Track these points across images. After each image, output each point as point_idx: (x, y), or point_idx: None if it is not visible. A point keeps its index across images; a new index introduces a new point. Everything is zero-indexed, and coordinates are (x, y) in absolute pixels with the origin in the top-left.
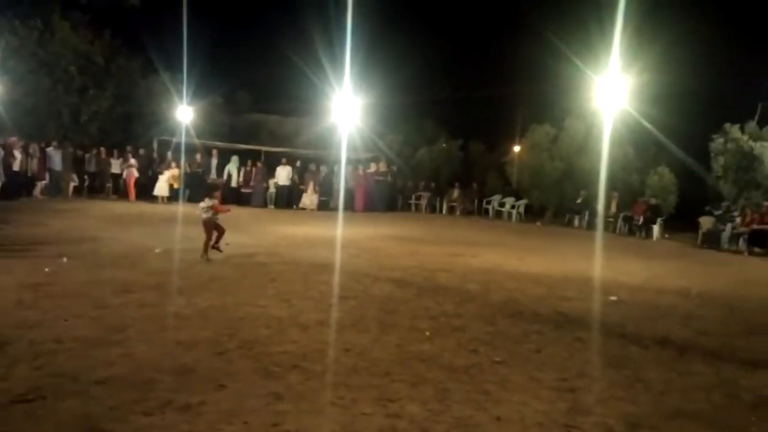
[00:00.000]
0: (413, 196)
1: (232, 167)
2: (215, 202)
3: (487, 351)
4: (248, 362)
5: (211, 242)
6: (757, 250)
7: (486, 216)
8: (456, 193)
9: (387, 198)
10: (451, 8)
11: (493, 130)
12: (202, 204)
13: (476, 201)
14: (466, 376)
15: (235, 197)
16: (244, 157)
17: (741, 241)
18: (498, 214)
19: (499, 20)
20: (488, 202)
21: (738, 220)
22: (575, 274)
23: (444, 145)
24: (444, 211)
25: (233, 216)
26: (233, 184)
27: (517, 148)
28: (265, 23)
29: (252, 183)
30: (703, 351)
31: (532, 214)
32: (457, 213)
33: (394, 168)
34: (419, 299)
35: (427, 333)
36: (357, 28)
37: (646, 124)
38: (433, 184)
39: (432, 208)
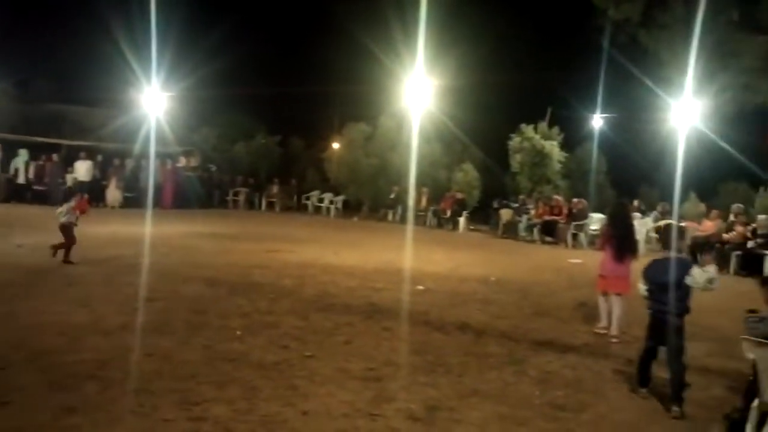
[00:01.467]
0: (231, 192)
1: (20, 162)
2: (73, 204)
3: (297, 346)
4: (37, 375)
5: (61, 248)
6: (548, 239)
7: (305, 211)
8: (275, 188)
9: (200, 194)
10: (268, 3)
11: (312, 126)
12: (60, 209)
13: (295, 197)
14: (275, 372)
15: (24, 195)
16: (39, 150)
17: (535, 231)
18: (317, 210)
19: (315, 19)
20: (307, 198)
21: (532, 212)
22: (387, 265)
23: (263, 140)
24: (263, 207)
25: (26, 215)
26: (21, 180)
27: (335, 145)
28: (69, 8)
29: (46, 179)
30: (498, 333)
31: (350, 209)
32: (276, 209)
33: (213, 165)
34: (231, 297)
35: (238, 332)
36: (166, 18)
37: (449, 123)
38: (251, 180)
39: (250, 204)
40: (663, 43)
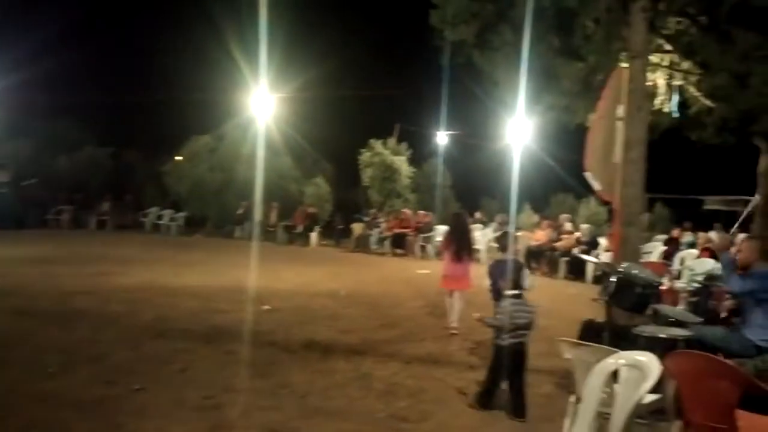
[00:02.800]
0: (52, 211)
1: None
2: None
3: (125, 379)
4: None
5: None
6: (398, 251)
7: (142, 230)
8: (106, 205)
9: (14, 212)
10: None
11: (150, 137)
12: None
13: (132, 214)
14: (96, 411)
15: None
16: None
17: (386, 244)
18: (155, 228)
19: (153, 22)
20: (145, 215)
21: (383, 225)
22: (232, 285)
23: (91, 153)
24: (92, 226)
25: None
26: None
27: (177, 158)
28: None
29: None
30: (346, 348)
31: (193, 226)
32: (108, 228)
33: (33, 180)
34: (46, 329)
35: (50, 368)
36: None
37: (297, 136)
38: (77, 196)
39: (77, 224)
40: (496, 64)
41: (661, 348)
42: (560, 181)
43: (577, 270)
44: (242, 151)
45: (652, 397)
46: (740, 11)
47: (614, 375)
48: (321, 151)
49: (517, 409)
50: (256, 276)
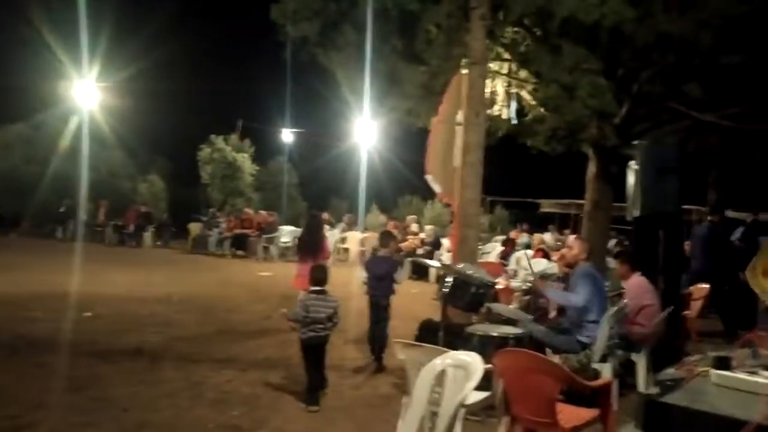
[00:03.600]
0: None
1: None
2: None
3: None
4: None
5: None
6: (239, 252)
7: None
8: None
9: None
10: None
11: None
12: None
13: None
14: None
15: None
16: None
17: (226, 245)
18: None
19: None
20: None
21: (223, 225)
22: (51, 290)
23: None
24: None
25: None
26: None
27: None
28: None
29: None
30: (176, 357)
31: (6, 224)
32: None
33: None
34: None
35: None
36: None
37: (127, 129)
38: None
39: None
40: (339, 64)
41: (493, 346)
42: (408, 183)
43: (421, 269)
44: (63, 143)
45: (480, 395)
46: (569, 26)
47: (442, 375)
48: (156, 146)
49: (310, 399)
50: (79, 280)
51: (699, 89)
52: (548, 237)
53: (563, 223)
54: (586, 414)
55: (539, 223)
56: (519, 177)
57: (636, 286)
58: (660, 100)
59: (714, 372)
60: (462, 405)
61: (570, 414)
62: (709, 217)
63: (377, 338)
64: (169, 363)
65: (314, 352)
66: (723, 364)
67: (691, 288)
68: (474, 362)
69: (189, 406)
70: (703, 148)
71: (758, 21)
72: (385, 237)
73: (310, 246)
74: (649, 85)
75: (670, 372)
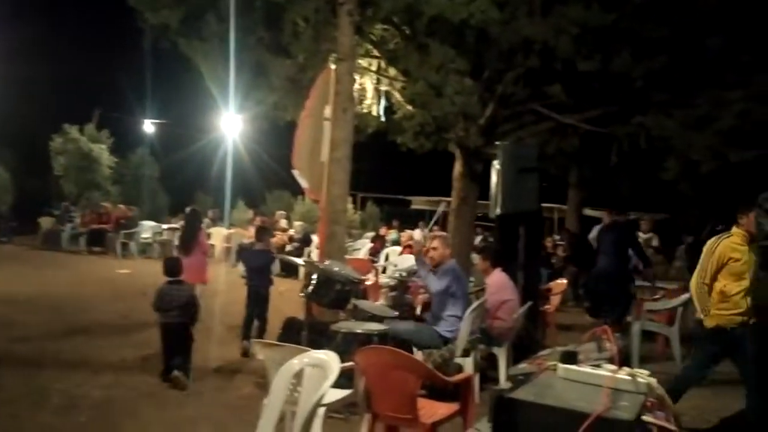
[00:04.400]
0: None
1: None
2: None
3: None
4: None
5: None
6: (96, 249)
7: None
8: None
9: None
10: None
11: None
12: None
13: None
14: None
15: None
16: None
17: (81, 241)
18: None
19: None
20: None
21: (78, 219)
22: None
23: None
24: None
25: None
26: None
27: None
28: None
29: None
30: (18, 360)
31: None
32: None
33: None
34: None
35: None
36: None
37: None
38: None
39: None
40: (203, 54)
41: (357, 343)
42: (278, 178)
43: (290, 267)
44: None
45: (340, 393)
46: (437, 25)
47: (300, 374)
48: (1, 135)
49: (167, 373)
50: None
51: (561, 92)
52: (418, 234)
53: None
54: (446, 409)
55: (410, 220)
56: (391, 174)
57: (497, 281)
58: (523, 102)
59: (561, 366)
60: (319, 404)
61: (431, 409)
62: (616, 218)
63: (257, 325)
64: (8, 368)
65: (170, 336)
66: (569, 358)
67: (551, 283)
68: (331, 361)
69: (30, 414)
70: (563, 150)
71: (613, 31)
72: (261, 231)
73: (189, 241)
74: (513, 87)
75: (522, 366)
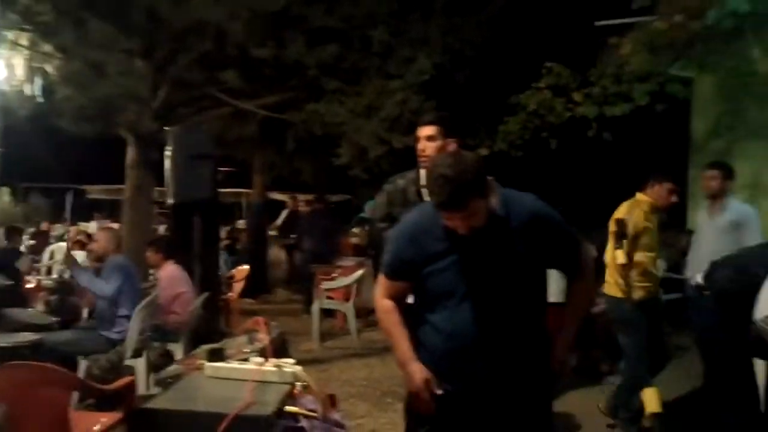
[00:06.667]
0: None
1: None
2: None
3: None
4: None
5: None
6: None
7: None
8: None
9: None
10: None
11: None
12: None
13: None
14: None
15: None
16: None
17: None
18: None
19: None
20: None
21: None
22: None
23: None
24: None
25: None
26: None
27: None
28: None
29: None
30: None
31: None
32: None
33: None
34: None
35: None
36: None
37: None
38: None
39: None
40: None
41: (4, 359)
42: None
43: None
44: None
45: None
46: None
47: None
48: None
49: None
50: None
51: (236, 78)
52: (93, 226)
53: (115, 210)
54: (106, 419)
55: (88, 211)
56: (62, 161)
57: (169, 274)
58: (200, 86)
59: (208, 365)
60: None
61: (87, 422)
62: (315, 204)
63: None
64: None
65: None
66: (216, 355)
67: (233, 270)
68: None
69: None
70: (243, 135)
71: (285, 18)
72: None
73: None
74: (188, 70)
75: (171, 369)
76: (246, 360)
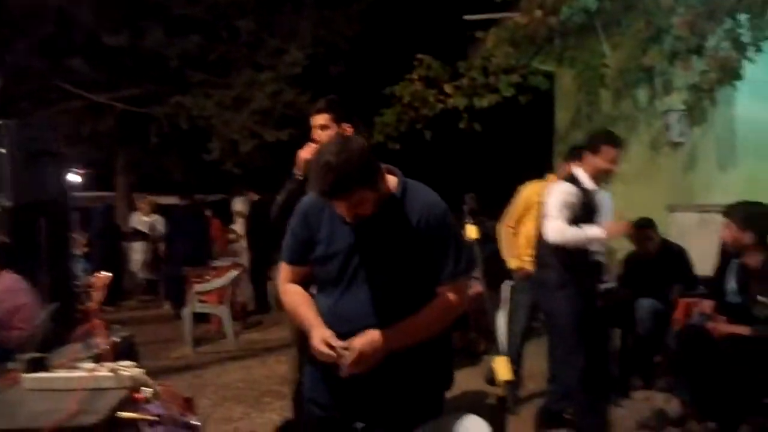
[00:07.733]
0: None
1: None
2: None
3: None
4: None
5: None
6: None
7: None
8: None
9: None
10: None
11: None
12: None
13: None
14: None
15: None
16: None
17: None
18: None
19: None
20: None
21: None
22: None
23: None
24: None
25: None
26: None
27: None
28: None
29: None
30: None
31: None
32: None
33: None
34: None
35: None
36: None
37: None
38: None
39: None
40: None
41: None
42: None
43: None
44: None
45: None
46: None
47: None
48: None
49: None
50: None
51: (86, 67)
52: None
53: None
54: None
55: None
56: None
57: (6, 286)
58: (43, 75)
59: (27, 376)
60: None
61: None
62: (183, 202)
63: None
64: None
65: None
66: (37, 365)
67: (92, 278)
68: None
69: None
70: (100, 131)
71: (142, 6)
72: None
73: None
74: (28, 58)
75: None
76: (75, 368)
